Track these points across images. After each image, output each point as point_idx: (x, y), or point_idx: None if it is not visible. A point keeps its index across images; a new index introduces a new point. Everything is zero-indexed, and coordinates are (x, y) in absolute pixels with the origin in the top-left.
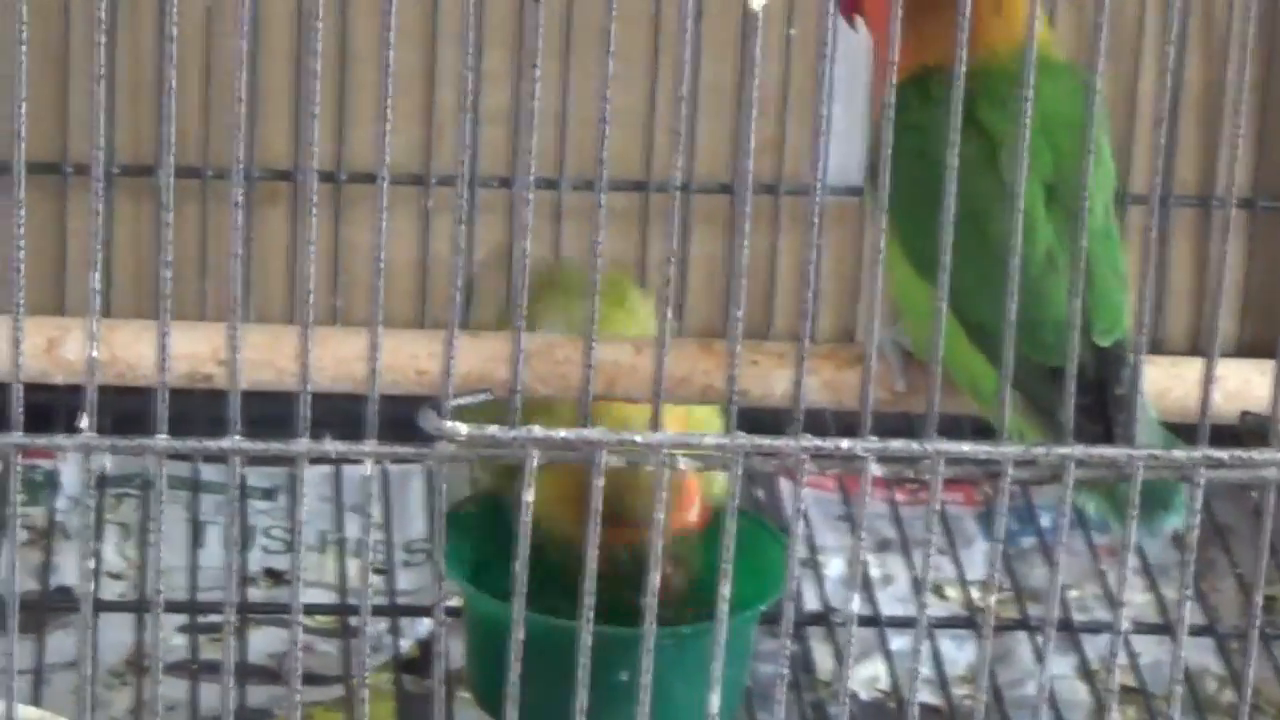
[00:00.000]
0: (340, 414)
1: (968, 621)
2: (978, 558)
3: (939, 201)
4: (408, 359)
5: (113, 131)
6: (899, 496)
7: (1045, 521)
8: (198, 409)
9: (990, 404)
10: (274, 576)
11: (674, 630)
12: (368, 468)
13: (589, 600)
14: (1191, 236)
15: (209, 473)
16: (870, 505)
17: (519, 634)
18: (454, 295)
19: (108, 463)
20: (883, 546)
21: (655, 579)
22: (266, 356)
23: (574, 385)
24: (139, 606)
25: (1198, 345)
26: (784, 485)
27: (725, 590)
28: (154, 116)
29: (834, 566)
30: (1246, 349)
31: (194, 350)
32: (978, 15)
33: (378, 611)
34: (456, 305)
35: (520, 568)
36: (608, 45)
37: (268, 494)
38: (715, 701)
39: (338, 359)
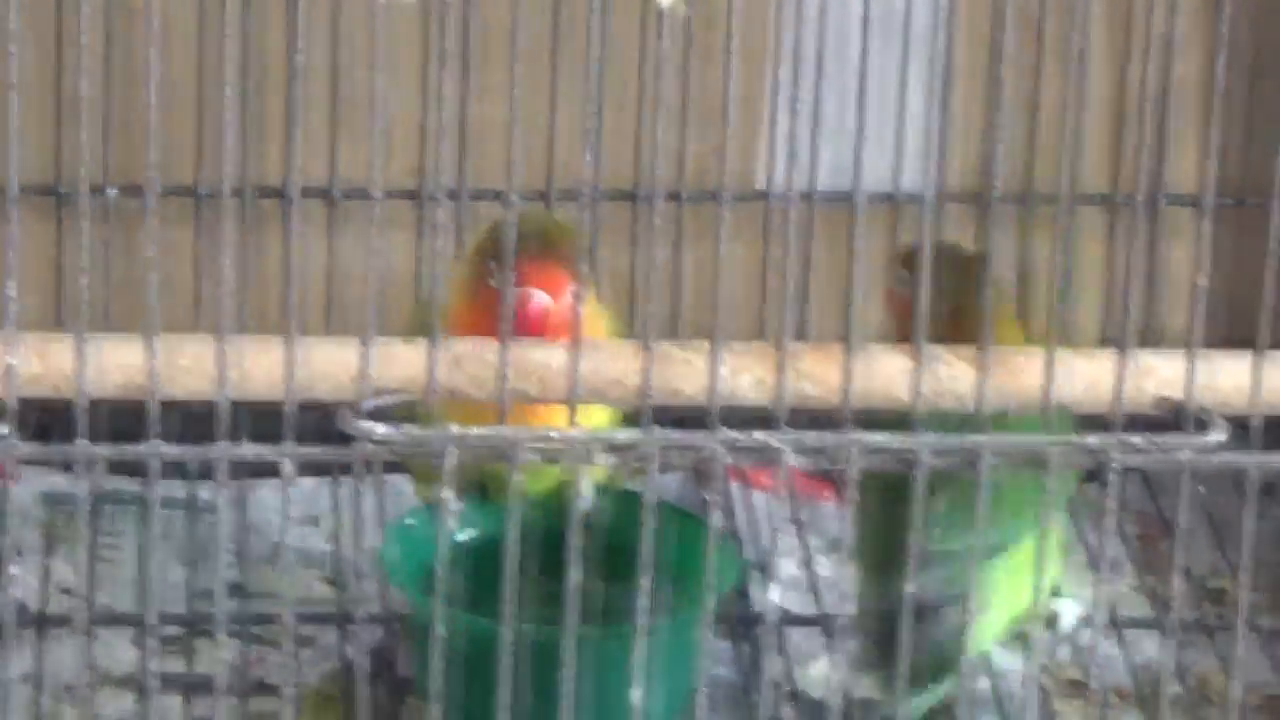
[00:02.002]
0: (312, 428)
1: None
2: None
3: None
4: (341, 367)
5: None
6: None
7: None
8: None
9: None
10: (226, 589)
11: (619, 630)
12: (286, 469)
13: (512, 595)
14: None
15: (161, 488)
16: (820, 507)
17: (439, 629)
18: (370, 298)
19: (58, 478)
20: (833, 547)
21: (576, 576)
22: (201, 366)
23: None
24: (87, 621)
25: (1147, 339)
26: (735, 489)
27: (647, 583)
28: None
29: (784, 568)
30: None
31: (128, 362)
32: None
33: (326, 620)
34: (373, 310)
35: (441, 563)
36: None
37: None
38: (637, 695)
39: (269, 367)
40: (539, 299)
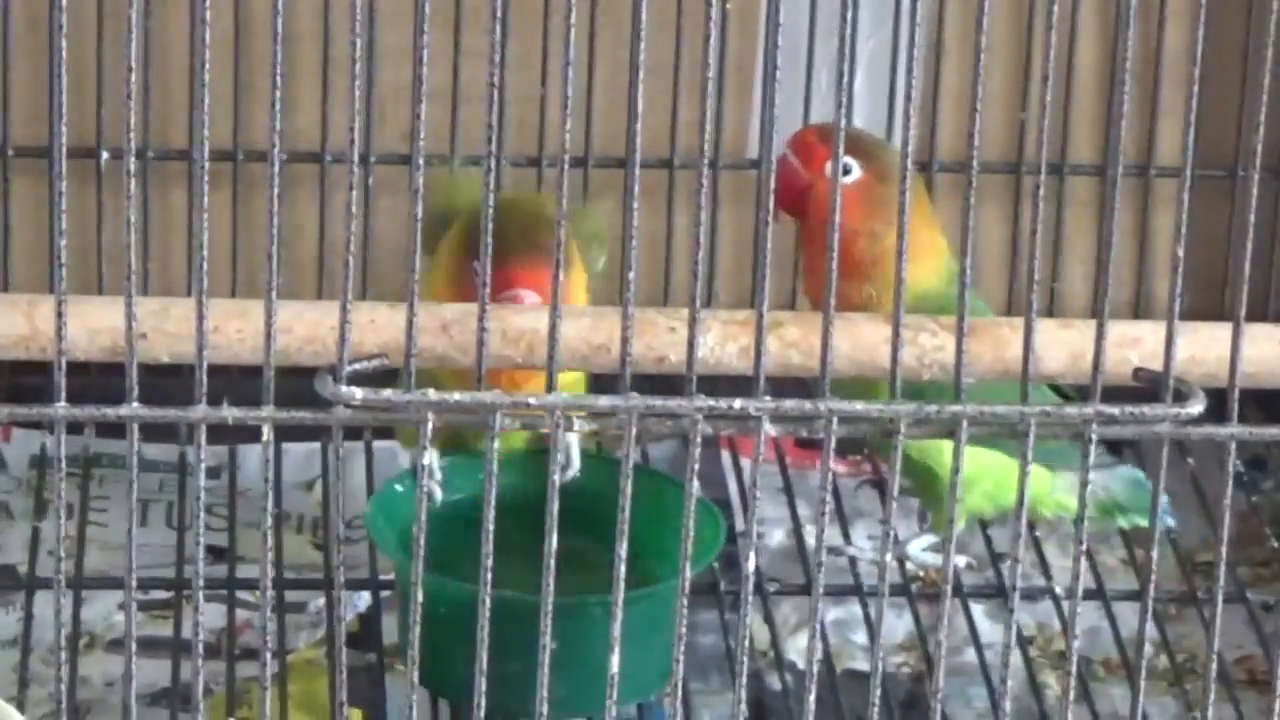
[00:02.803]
0: (306, 392)
1: (903, 589)
2: (918, 527)
3: None
4: (328, 330)
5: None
6: (840, 468)
7: None
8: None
9: None
10: (214, 553)
11: (603, 598)
12: (265, 433)
13: (488, 561)
14: (1131, 206)
15: (151, 451)
16: (811, 478)
17: (419, 595)
18: (348, 261)
19: (46, 441)
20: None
21: (553, 541)
22: (188, 329)
23: (493, 354)
24: (76, 584)
25: (1138, 311)
26: (725, 456)
27: (621, 550)
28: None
29: (773, 537)
30: (1184, 314)
31: (115, 324)
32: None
33: (313, 585)
34: (350, 272)
35: (419, 528)
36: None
37: (211, 472)
38: (615, 663)
39: (256, 330)
40: (530, 300)
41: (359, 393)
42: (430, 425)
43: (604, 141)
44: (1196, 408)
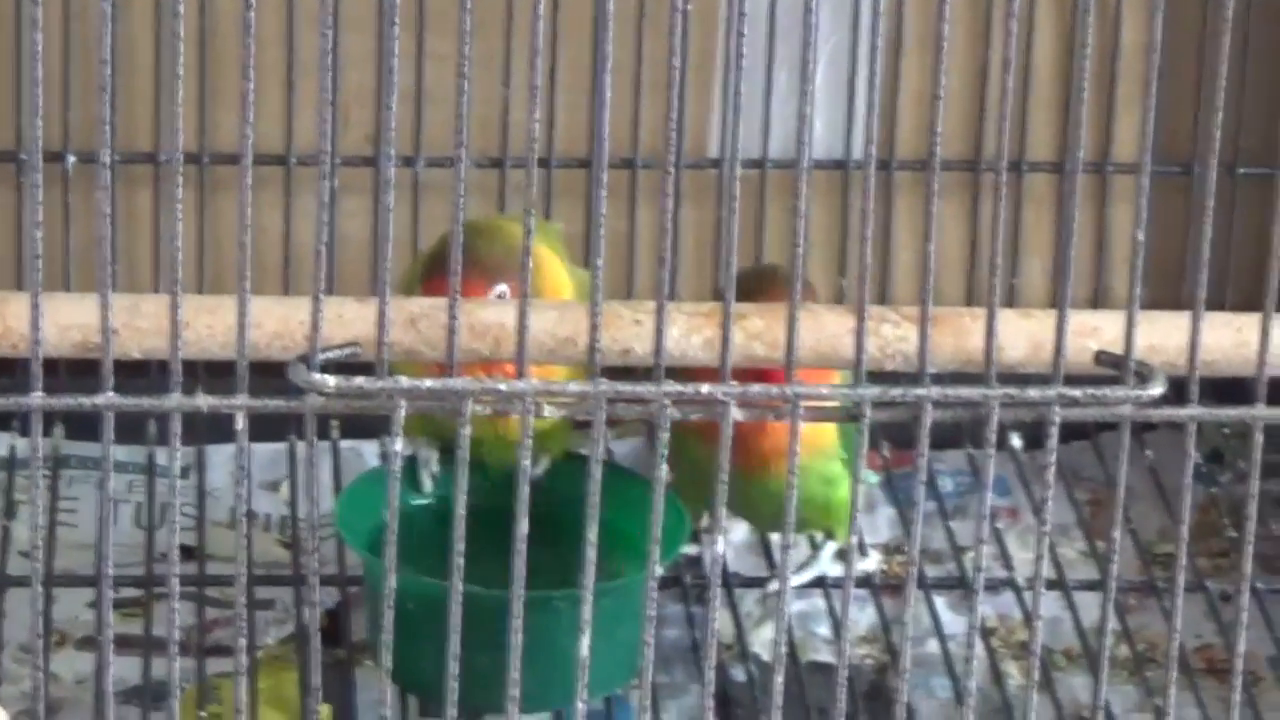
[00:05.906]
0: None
1: (865, 582)
2: (881, 522)
3: None
4: (297, 325)
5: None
6: None
7: (946, 486)
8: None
9: None
10: (184, 552)
11: (568, 593)
12: (239, 421)
13: (459, 551)
14: (1088, 202)
15: (120, 453)
16: None
17: (391, 583)
18: (319, 251)
19: (15, 443)
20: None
21: (523, 525)
22: (158, 325)
23: (461, 348)
24: (46, 581)
25: (1096, 302)
26: None
27: (592, 535)
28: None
29: (738, 532)
30: (1143, 306)
31: (85, 320)
32: None
33: (282, 582)
34: (322, 261)
35: (391, 517)
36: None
37: (181, 472)
38: (585, 645)
39: (226, 326)
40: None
41: (332, 380)
42: (402, 412)
43: (566, 143)
44: (1158, 389)
